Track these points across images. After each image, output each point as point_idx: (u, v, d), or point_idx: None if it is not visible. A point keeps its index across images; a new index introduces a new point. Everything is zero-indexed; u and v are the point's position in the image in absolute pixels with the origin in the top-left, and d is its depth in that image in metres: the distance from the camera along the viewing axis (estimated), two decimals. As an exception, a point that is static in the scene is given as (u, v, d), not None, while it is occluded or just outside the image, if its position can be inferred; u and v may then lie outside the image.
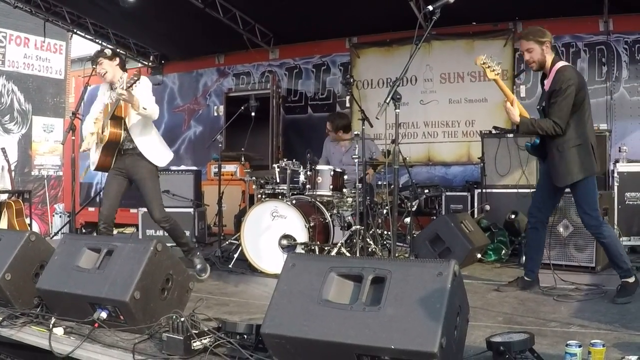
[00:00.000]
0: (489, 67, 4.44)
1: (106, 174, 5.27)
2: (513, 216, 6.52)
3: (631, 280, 4.32)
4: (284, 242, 5.63)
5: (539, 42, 4.42)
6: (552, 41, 4.48)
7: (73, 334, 3.41)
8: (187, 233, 7.99)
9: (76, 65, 13.09)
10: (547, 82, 4.48)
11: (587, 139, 4.37)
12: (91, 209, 10.63)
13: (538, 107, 4.67)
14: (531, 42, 4.44)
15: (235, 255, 6.11)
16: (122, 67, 5.29)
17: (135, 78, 4.77)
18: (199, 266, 5.42)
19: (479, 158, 7.61)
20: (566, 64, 4.45)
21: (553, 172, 4.46)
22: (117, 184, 5.21)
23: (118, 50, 11.15)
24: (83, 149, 5.28)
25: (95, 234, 9.05)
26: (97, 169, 5.25)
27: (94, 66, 5.19)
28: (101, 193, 10.37)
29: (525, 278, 4.75)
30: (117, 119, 5.03)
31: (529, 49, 4.47)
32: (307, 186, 6.01)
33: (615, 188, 6.70)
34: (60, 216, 11.67)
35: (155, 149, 5.23)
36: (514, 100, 4.48)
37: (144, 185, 5.18)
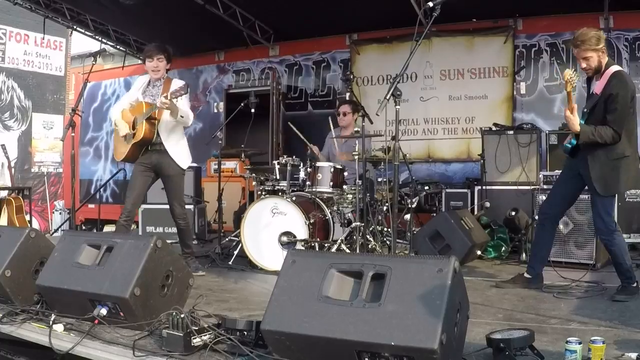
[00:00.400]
0: (570, 82, 4.26)
1: (105, 173, 5.37)
2: (513, 213, 6.52)
3: (633, 285, 4.34)
4: (284, 238, 5.63)
5: (595, 50, 4.28)
6: (605, 43, 4.32)
7: (73, 331, 3.41)
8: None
9: (76, 62, 13.12)
10: (599, 85, 4.33)
11: (636, 151, 4.36)
12: (91, 205, 10.63)
13: (585, 109, 4.47)
14: (588, 51, 4.29)
15: (235, 252, 6.11)
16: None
17: (183, 92, 5.04)
18: (192, 266, 5.47)
19: (479, 155, 7.60)
20: (620, 68, 4.35)
21: (597, 178, 4.33)
22: (143, 180, 5.40)
23: (118, 46, 11.18)
24: (123, 134, 5.36)
25: (95, 231, 9.07)
26: (125, 160, 5.46)
27: (150, 57, 5.37)
28: (101, 190, 10.47)
29: (525, 275, 4.75)
30: (152, 120, 5.24)
31: (586, 57, 4.32)
32: (307, 183, 6.02)
33: (616, 185, 6.69)
34: (60, 213, 11.67)
35: (179, 151, 5.45)
36: (574, 109, 4.35)
37: (171, 181, 5.45)
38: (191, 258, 5.62)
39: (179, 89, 5.06)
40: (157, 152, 5.35)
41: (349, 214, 6.22)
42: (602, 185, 4.33)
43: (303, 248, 5.49)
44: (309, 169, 6.04)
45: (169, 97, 4.97)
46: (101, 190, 10.60)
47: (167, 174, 5.43)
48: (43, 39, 11.66)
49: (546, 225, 4.69)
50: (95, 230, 9.75)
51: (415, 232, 6.16)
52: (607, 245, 4.48)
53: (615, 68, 4.29)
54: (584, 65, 4.37)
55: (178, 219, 5.52)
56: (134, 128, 5.26)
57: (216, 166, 7.76)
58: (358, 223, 5.68)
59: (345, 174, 6.27)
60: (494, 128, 7.47)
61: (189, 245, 5.66)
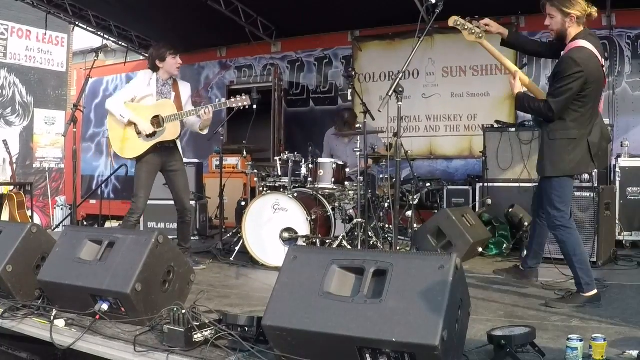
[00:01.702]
0: (465, 28, 4.15)
1: (107, 169, 5.39)
2: (511, 209, 6.52)
3: (582, 294, 4.03)
4: (286, 235, 5.64)
5: (562, 11, 3.91)
6: (583, 15, 3.91)
7: (74, 326, 3.41)
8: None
9: (78, 58, 13.10)
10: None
11: (585, 136, 3.96)
12: (93, 201, 10.64)
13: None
14: (554, 9, 3.96)
15: (237, 248, 6.11)
16: None
17: (246, 103, 5.36)
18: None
19: (480, 152, 7.59)
20: (584, 45, 3.87)
21: (539, 159, 4.12)
22: (152, 178, 5.46)
23: (120, 42, 11.16)
24: (146, 131, 5.29)
25: (96, 227, 9.07)
26: (136, 157, 5.40)
27: (174, 54, 5.48)
28: (103, 185, 10.48)
29: (520, 267, 4.68)
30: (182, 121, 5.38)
31: (550, 14, 3.99)
32: (309, 179, 6.02)
33: (617, 183, 6.70)
34: (61, 209, 11.70)
35: (181, 147, 5.60)
36: (516, 72, 4.16)
37: (181, 176, 5.53)
38: (188, 253, 5.63)
39: (241, 99, 5.31)
40: (168, 149, 5.41)
41: (351, 211, 6.22)
42: (541, 165, 4.11)
43: (304, 244, 5.50)
44: (310, 165, 6.04)
45: (215, 108, 5.30)
46: (103, 186, 10.61)
47: (177, 168, 5.49)
48: (45, 34, 11.66)
49: (536, 219, 4.51)
50: (96, 226, 9.75)
51: (416, 229, 6.17)
52: (556, 237, 4.17)
53: (577, 44, 3.89)
54: (547, 22, 4.05)
55: (187, 215, 5.56)
56: (158, 126, 5.27)
57: (218, 162, 7.75)
58: (360, 219, 5.68)
59: (347, 170, 6.27)
60: (496, 125, 7.46)
61: (189, 240, 5.69)
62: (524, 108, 4.14)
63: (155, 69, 5.45)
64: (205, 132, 5.59)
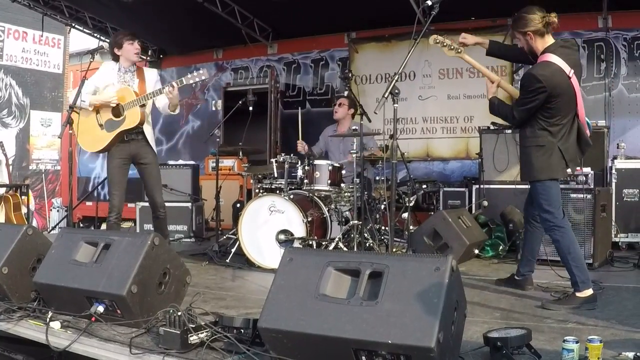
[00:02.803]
0: (444, 45, 4.27)
1: (103, 171, 5.32)
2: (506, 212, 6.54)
3: (577, 294, 4.07)
4: (282, 236, 5.63)
5: (521, 32, 4.15)
6: (540, 26, 4.09)
7: (70, 328, 3.40)
8: (185, 227, 8.06)
9: (74, 60, 13.09)
10: None
11: (555, 143, 4.09)
12: (89, 203, 10.62)
13: None
14: (515, 32, 4.24)
15: (233, 250, 6.10)
16: None
17: (203, 77, 5.04)
18: None
19: (477, 154, 7.60)
20: (550, 60, 4.02)
21: (520, 165, 4.43)
22: (123, 173, 5.32)
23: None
24: (89, 102, 5.19)
25: (93, 228, 9.06)
26: (102, 151, 5.34)
27: (131, 40, 5.36)
28: (99, 187, 10.46)
29: (515, 277, 4.71)
30: (143, 106, 5.17)
31: (517, 37, 4.27)
32: (305, 181, 6.02)
33: (613, 185, 6.71)
34: (57, 210, 11.68)
35: (153, 139, 5.42)
36: (499, 81, 4.40)
37: (152, 170, 5.36)
38: None
39: (197, 74, 5.03)
40: (135, 141, 5.27)
41: (347, 212, 6.22)
42: (521, 171, 4.42)
43: (300, 246, 5.49)
44: (306, 167, 6.04)
45: (179, 84, 5.00)
46: (99, 187, 10.58)
47: (147, 161, 5.33)
48: (41, 36, 11.65)
49: (527, 224, 4.62)
50: (92, 228, 9.74)
51: (412, 231, 6.16)
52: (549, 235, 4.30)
53: (544, 58, 4.06)
54: (518, 44, 4.33)
55: (160, 209, 5.43)
56: (117, 115, 5.15)
57: (214, 164, 7.75)
58: (356, 221, 5.68)
59: (344, 172, 6.27)
60: (492, 127, 7.47)
61: (167, 237, 5.62)
62: (494, 111, 4.37)
63: (116, 58, 5.37)
64: (177, 111, 5.38)
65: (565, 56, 4.06)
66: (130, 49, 5.33)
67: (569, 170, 4.23)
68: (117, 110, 5.16)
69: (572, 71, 4.05)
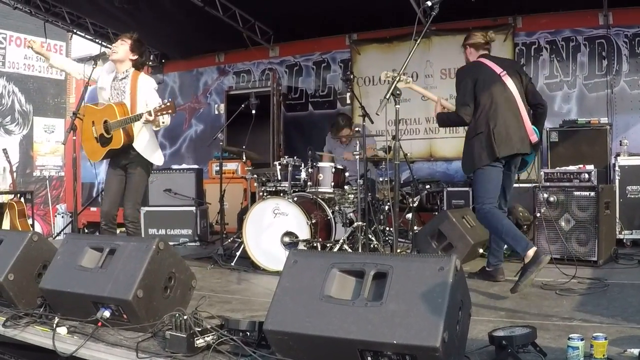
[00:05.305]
0: (394, 79, 4.27)
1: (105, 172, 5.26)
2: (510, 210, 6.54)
3: (488, 268, 4.91)
4: (286, 239, 5.65)
5: (463, 46, 5.06)
6: (474, 43, 4.96)
7: (76, 334, 3.42)
8: (190, 231, 8.07)
9: (76, 66, 13.09)
10: None
11: (487, 127, 4.56)
12: (93, 209, 10.65)
13: None
14: (461, 49, 5.10)
15: (238, 253, 6.12)
16: (136, 64, 5.15)
17: (170, 111, 4.77)
18: None
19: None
20: (471, 59, 4.95)
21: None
22: (117, 181, 5.14)
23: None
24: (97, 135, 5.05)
25: (97, 234, 9.07)
26: (102, 159, 5.28)
27: (116, 41, 5.18)
28: (102, 193, 10.47)
29: (486, 268, 4.99)
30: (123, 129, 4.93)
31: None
32: (309, 183, 6.02)
33: (617, 181, 6.72)
34: (62, 216, 11.70)
35: (150, 149, 5.12)
36: (439, 99, 5.06)
37: (131, 180, 5.09)
38: None
39: (165, 107, 4.74)
40: (126, 153, 5.04)
41: (351, 214, 6.23)
42: (462, 165, 4.89)
43: (305, 248, 5.50)
44: (310, 170, 6.05)
45: (153, 115, 4.73)
46: (103, 193, 10.60)
47: (131, 172, 5.10)
48: (44, 42, 11.65)
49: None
50: (97, 234, 9.75)
51: (417, 231, 6.17)
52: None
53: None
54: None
55: (127, 222, 5.09)
56: (107, 132, 4.95)
57: (218, 168, 7.76)
58: (360, 223, 5.68)
59: (347, 174, 6.28)
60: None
61: None
62: (444, 122, 5.11)
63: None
64: (163, 125, 5.03)
65: (493, 59, 4.84)
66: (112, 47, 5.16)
67: (494, 154, 4.55)
68: (107, 126, 4.96)
69: (505, 72, 4.70)
